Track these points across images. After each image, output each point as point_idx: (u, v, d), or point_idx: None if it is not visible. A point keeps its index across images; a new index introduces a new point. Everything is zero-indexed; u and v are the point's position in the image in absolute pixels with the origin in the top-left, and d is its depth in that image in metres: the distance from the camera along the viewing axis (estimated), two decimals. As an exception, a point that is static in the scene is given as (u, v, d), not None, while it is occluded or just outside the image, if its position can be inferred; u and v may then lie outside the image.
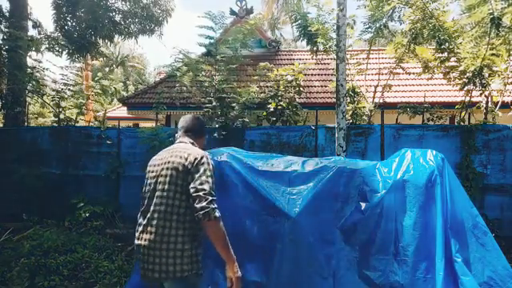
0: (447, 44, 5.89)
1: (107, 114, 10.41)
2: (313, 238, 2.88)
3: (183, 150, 2.29)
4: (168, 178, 2.20)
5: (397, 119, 6.75)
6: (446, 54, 6.15)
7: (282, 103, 6.57)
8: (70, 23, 9.05)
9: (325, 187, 2.95)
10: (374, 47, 7.44)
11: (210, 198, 2.08)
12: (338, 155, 4.97)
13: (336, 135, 5.13)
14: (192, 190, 2.10)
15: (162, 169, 2.26)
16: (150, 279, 2.17)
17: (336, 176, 2.98)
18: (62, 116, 7.42)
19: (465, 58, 5.83)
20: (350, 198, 2.95)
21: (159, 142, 5.87)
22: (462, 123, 6.11)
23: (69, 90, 7.56)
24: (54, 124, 7.70)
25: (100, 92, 8.44)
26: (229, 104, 6.43)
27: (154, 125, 7.27)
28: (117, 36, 9.85)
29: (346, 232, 2.89)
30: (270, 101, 6.64)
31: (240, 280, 2.13)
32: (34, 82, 7.40)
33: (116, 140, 6.72)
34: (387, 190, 2.88)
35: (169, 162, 2.25)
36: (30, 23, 8.84)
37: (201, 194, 2.07)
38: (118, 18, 9.58)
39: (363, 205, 2.90)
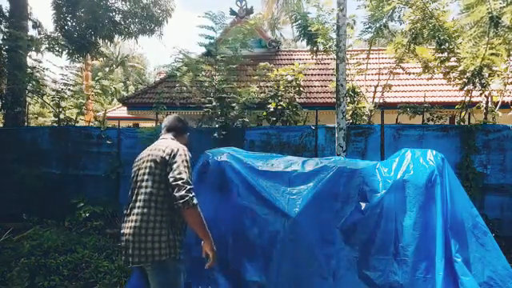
0: (447, 44, 5.89)
1: (107, 114, 10.40)
2: (313, 237, 2.88)
3: (163, 144, 2.48)
4: (147, 170, 2.37)
5: (397, 119, 6.75)
6: (445, 54, 6.15)
7: (282, 103, 6.57)
8: (70, 23, 9.03)
9: (325, 187, 2.95)
10: (374, 47, 7.43)
11: (188, 187, 2.22)
12: (338, 155, 4.97)
13: (336, 135, 5.13)
14: (171, 180, 2.25)
15: (143, 162, 2.45)
16: (131, 264, 2.28)
17: (336, 176, 2.99)
18: (62, 116, 7.41)
19: (464, 57, 5.83)
20: (350, 198, 2.96)
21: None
22: (462, 123, 6.11)
23: (69, 89, 7.55)
24: (54, 124, 7.69)
25: (100, 92, 8.43)
26: (229, 104, 6.43)
27: (153, 125, 7.27)
28: (117, 36, 9.82)
29: (346, 232, 2.89)
30: (270, 101, 6.64)
31: (216, 255, 2.34)
32: (33, 82, 7.40)
33: (116, 140, 6.73)
34: (387, 190, 2.89)
35: (149, 155, 2.43)
36: (30, 23, 8.83)
37: (179, 182, 2.21)
38: (118, 18, 9.55)
39: (363, 205, 2.90)
